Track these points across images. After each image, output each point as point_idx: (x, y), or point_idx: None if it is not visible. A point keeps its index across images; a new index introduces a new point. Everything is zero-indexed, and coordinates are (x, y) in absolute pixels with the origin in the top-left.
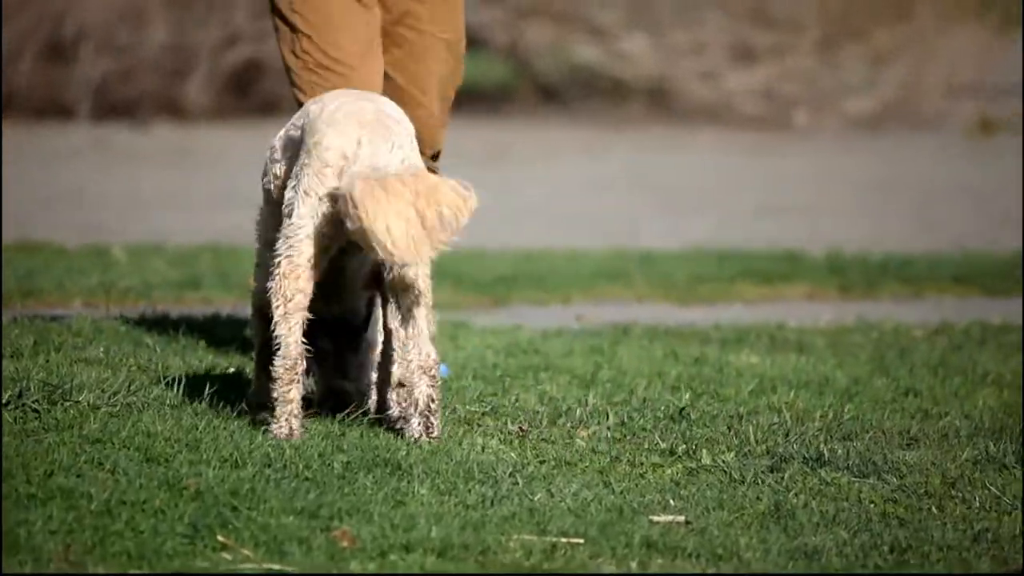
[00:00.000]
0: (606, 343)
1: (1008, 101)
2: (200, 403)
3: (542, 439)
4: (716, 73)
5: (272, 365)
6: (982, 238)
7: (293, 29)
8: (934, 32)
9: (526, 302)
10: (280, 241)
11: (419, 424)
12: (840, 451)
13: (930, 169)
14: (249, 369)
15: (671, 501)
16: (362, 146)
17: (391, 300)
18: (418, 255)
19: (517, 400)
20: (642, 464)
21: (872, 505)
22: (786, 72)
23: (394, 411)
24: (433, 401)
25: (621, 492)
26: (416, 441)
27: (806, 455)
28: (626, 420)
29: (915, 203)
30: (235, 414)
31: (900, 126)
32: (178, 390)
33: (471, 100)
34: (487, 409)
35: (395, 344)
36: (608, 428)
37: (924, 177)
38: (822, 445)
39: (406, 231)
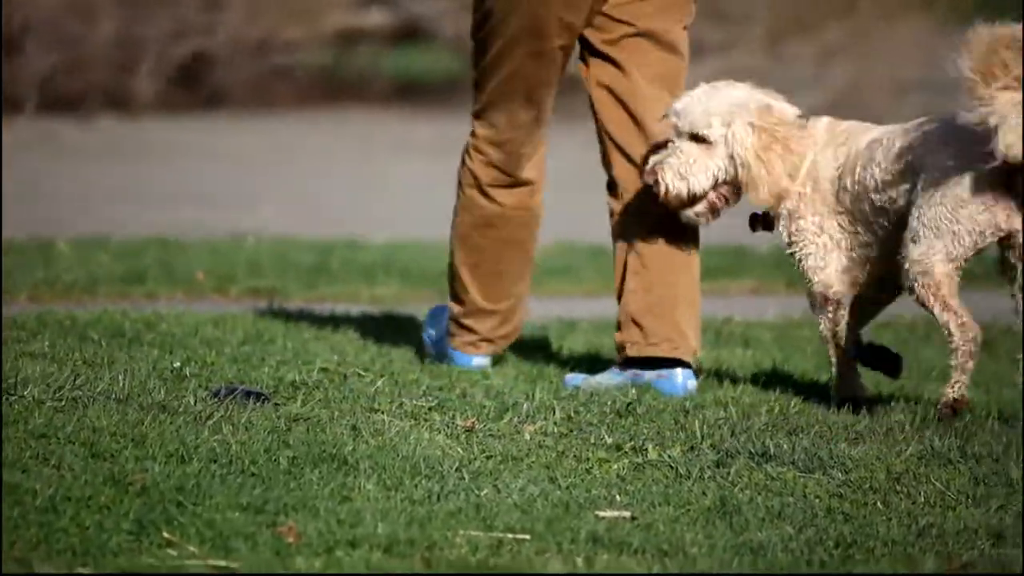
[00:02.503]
0: (553, 337)
1: (954, 95)
2: (146, 398)
3: (489, 434)
4: None
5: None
6: None
7: None
8: (880, 27)
9: None
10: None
11: None
12: (786, 446)
13: None
14: (197, 362)
15: (617, 496)
16: None
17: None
18: None
19: (464, 395)
20: (588, 459)
21: (818, 500)
22: (734, 68)
23: None
24: None
25: (567, 487)
26: None
27: (752, 450)
28: (573, 415)
29: None
30: (181, 409)
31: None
32: (124, 385)
33: (419, 93)
34: (434, 404)
35: None
36: (555, 423)
37: None
38: (768, 440)
39: None
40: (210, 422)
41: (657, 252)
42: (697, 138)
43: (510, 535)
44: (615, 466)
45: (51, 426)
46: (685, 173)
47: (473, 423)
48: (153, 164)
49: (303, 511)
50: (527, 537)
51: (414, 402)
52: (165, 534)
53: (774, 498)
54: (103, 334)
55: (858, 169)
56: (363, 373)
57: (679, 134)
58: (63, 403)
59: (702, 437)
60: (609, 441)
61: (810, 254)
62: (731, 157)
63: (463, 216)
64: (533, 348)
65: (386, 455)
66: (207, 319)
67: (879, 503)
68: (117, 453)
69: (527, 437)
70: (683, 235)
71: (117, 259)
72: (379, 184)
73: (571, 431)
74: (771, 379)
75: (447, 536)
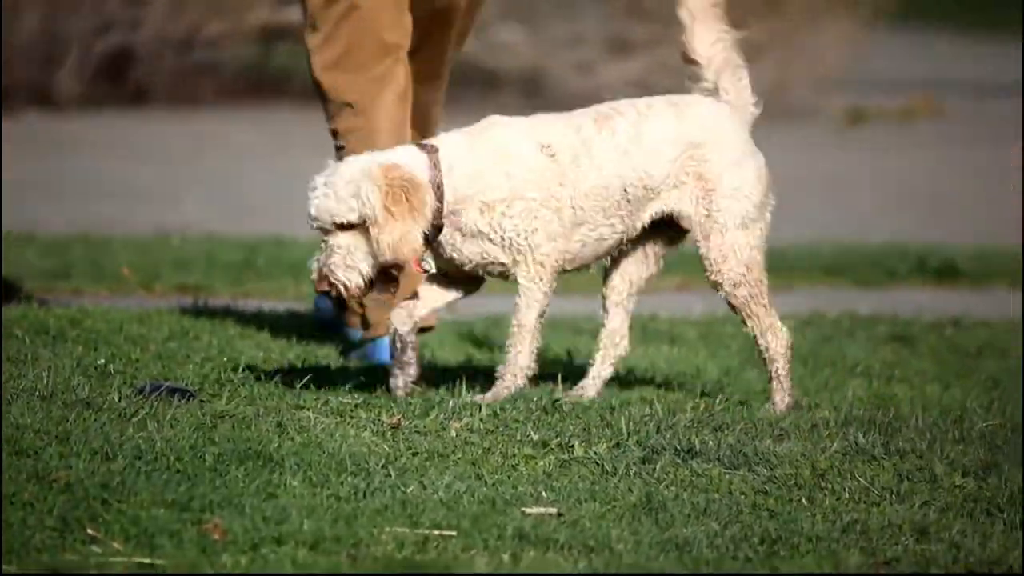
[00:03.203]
0: (479, 334)
1: (877, 94)
2: (70, 395)
3: (415, 431)
4: (591, 65)
5: None
6: (851, 229)
7: None
8: (805, 25)
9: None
10: None
11: None
12: (711, 443)
13: (801, 161)
14: (122, 359)
15: (543, 493)
16: None
17: None
18: None
19: (390, 392)
20: (515, 456)
21: (743, 496)
22: (661, 64)
23: None
24: None
25: (493, 484)
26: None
27: (677, 447)
28: (498, 412)
29: (786, 195)
30: (106, 406)
31: (771, 119)
32: (48, 382)
33: None
34: (360, 401)
35: None
36: (481, 420)
37: (795, 169)
38: (693, 437)
39: None
40: (135, 419)
41: None
42: (343, 226)
43: (436, 532)
44: (541, 463)
45: None
46: (351, 263)
47: (399, 420)
48: (77, 159)
49: (229, 508)
50: (453, 534)
51: (340, 399)
52: (89, 531)
53: (699, 494)
54: (27, 330)
55: None
56: (289, 370)
57: (327, 232)
58: None
59: (628, 434)
60: (535, 438)
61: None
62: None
63: None
64: (459, 344)
65: (312, 452)
66: (132, 316)
67: (804, 499)
68: (41, 450)
69: (453, 434)
70: None
71: (43, 255)
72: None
73: (497, 428)
74: (696, 376)
75: (373, 533)
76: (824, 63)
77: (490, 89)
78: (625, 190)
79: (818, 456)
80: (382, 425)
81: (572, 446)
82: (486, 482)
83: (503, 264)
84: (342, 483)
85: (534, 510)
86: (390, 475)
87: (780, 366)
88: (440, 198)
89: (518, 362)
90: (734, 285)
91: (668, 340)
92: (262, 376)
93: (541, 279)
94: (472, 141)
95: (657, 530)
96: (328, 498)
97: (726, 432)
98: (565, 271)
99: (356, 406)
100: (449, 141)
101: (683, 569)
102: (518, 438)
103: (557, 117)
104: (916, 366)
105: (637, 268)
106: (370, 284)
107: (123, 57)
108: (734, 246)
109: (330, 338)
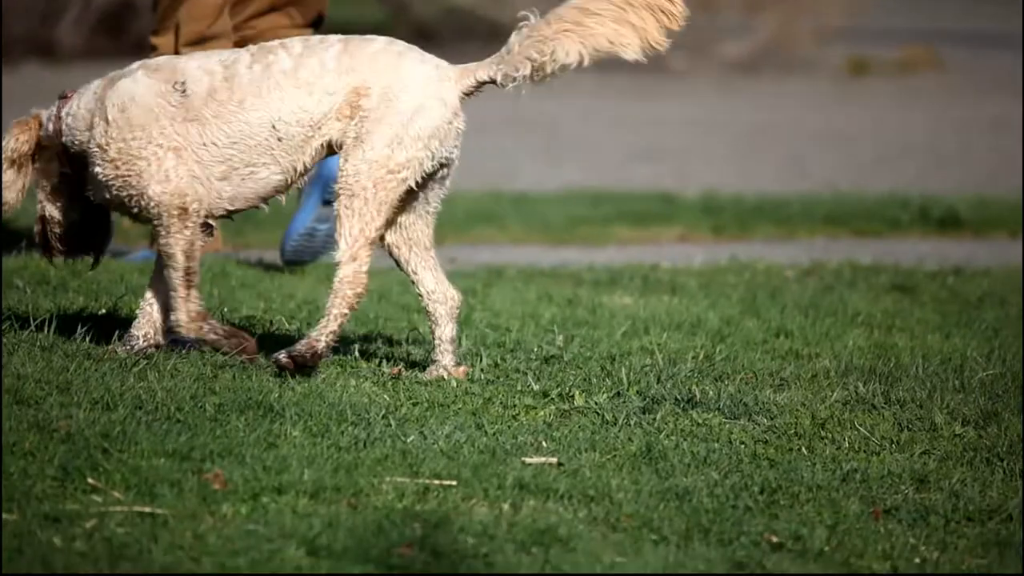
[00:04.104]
0: (480, 285)
1: (878, 45)
2: (71, 345)
3: (415, 381)
4: None
5: None
6: (852, 180)
7: None
8: None
9: None
10: None
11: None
12: (711, 392)
13: (802, 113)
14: (124, 310)
15: (544, 443)
16: None
17: None
18: None
19: (391, 342)
20: (515, 406)
21: (743, 446)
22: None
23: None
24: None
25: (494, 434)
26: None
27: (678, 396)
28: (499, 362)
29: (788, 146)
30: (107, 356)
31: (774, 70)
32: (49, 332)
33: None
34: (360, 351)
35: None
36: (481, 370)
37: (796, 120)
38: (694, 387)
39: None
40: (136, 369)
41: None
42: None
43: (436, 481)
44: (541, 413)
45: None
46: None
47: (400, 370)
48: None
49: (229, 458)
50: (453, 483)
51: (340, 349)
52: (90, 480)
53: (699, 444)
54: (28, 281)
55: None
56: (289, 321)
57: None
58: None
59: (628, 384)
60: (536, 388)
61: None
62: None
63: None
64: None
65: (312, 402)
66: (134, 267)
67: (804, 449)
68: (42, 400)
69: (454, 384)
70: None
71: None
72: None
73: (497, 378)
74: (697, 326)
75: (373, 483)
76: (825, 15)
77: (493, 40)
78: (274, 127)
79: (818, 406)
80: (383, 375)
81: (572, 396)
82: (486, 432)
83: (139, 205)
84: (342, 433)
85: (534, 460)
86: (390, 425)
87: (335, 303)
88: (59, 142)
89: (179, 311)
90: (351, 195)
91: (669, 290)
92: (262, 326)
93: (177, 219)
94: (106, 83)
95: (657, 479)
96: (328, 448)
97: (726, 382)
98: (224, 215)
99: (356, 356)
100: (90, 86)
101: (683, 518)
102: (519, 388)
103: (224, 52)
104: (917, 315)
105: (411, 220)
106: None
107: (124, 9)
108: (372, 162)
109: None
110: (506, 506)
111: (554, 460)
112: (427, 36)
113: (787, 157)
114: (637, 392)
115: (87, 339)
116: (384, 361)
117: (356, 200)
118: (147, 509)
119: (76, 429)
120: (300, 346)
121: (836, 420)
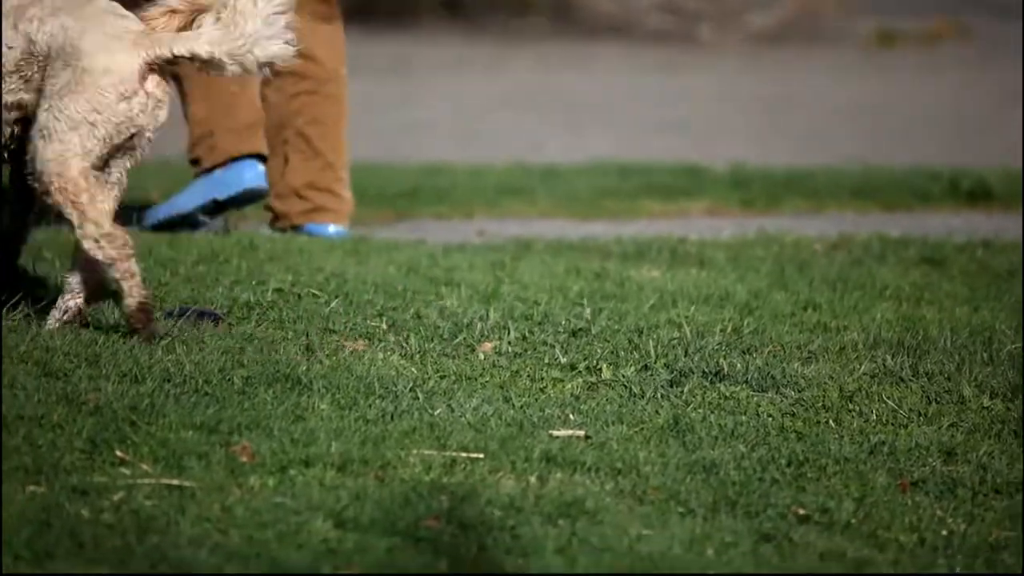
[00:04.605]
0: (508, 258)
1: (906, 16)
2: (99, 317)
3: (443, 354)
4: None
5: None
6: (880, 152)
7: None
8: None
9: (428, 217)
10: None
11: None
12: (739, 365)
13: (829, 84)
14: (151, 282)
15: (571, 416)
16: None
17: None
18: None
19: (418, 315)
20: (542, 379)
21: (770, 419)
22: None
23: None
24: None
25: (521, 407)
26: None
27: (705, 369)
28: (527, 335)
29: (814, 118)
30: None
31: (800, 42)
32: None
33: (373, 11)
34: (388, 324)
35: None
36: (509, 343)
37: (823, 92)
38: (721, 359)
39: None
40: (164, 342)
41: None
42: None
43: (464, 454)
44: (569, 385)
45: (3, 346)
46: None
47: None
48: None
49: (257, 430)
50: (481, 456)
51: (369, 323)
52: (118, 453)
53: (727, 417)
54: (57, 253)
55: None
56: (317, 294)
57: None
58: (16, 323)
59: (656, 356)
60: (563, 360)
61: None
62: None
63: None
64: (488, 269)
65: (340, 375)
66: (162, 239)
67: (831, 422)
68: (70, 372)
69: (481, 357)
70: None
71: None
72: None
73: (525, 351)
74: (725, 299)
75: (401, 455)
76: None
77: (518, 13)
78: None
79: (846, 378)
80: (410, 348)
81: (600, 369)
82: (514, 405)
83: None
84: (370, 406)
85: (561, 432)
86: (418, 398)
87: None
88: None
89: None
90: (46, 193)
91: (697, 263)
92: (291, 299)
93: None
94: None
95: (684, 452)
96: (356, 420)
97: (754, 355)
98: None
99: (384, 329)
100: None
101: (710, 491)
102: (546, 361)
103: None
104: (945, 288)
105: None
106: None
107: None
108: (57, 153)
109: (359, 262)
110: (533, 479)
111: (581, 433)
112: (452, 6)
113: (814, 129)
114: (665, 365)
115: (116, 312)
116: (411, 334)
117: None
118: (175, 482)
119: (104, 402)
120: (133, 322)
121: (864, 393)
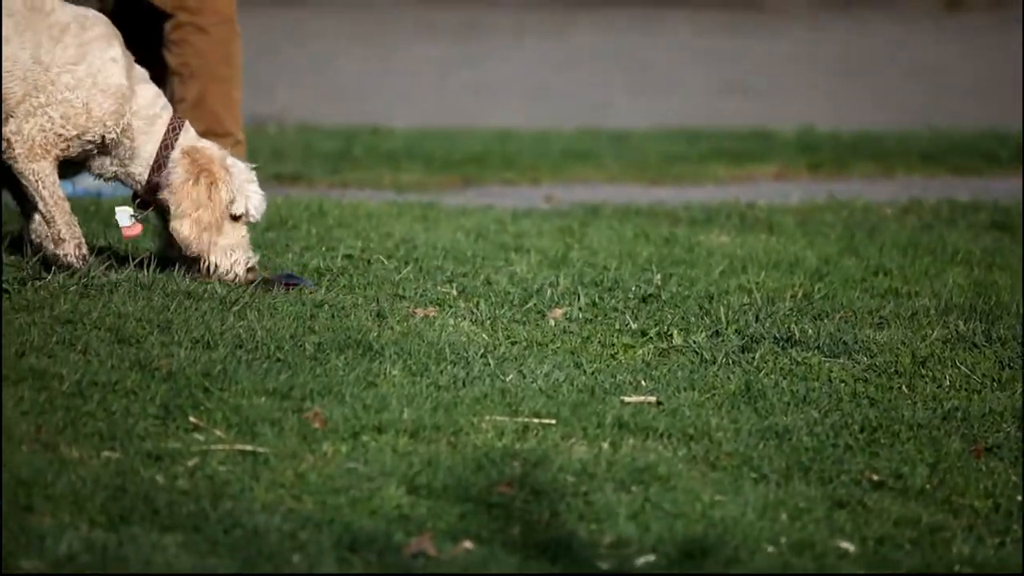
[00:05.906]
0: (576, 224)
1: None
2: (171, 284)
3: (514, 320)
4: None
5: None
6: (948, 115)
7: None
8: None
9: (496, 182)
10: None
11: None
12: (811, 331)
13: (897, 47)
14: None
15: (642, 382)
16: None
17: None
18: None
19: (488, 281)
20: (613, 345)
21: (843, 384)
22: None
23: None
24: None
25: (593, 373)
26: None
27: (777, 335)
28: (597, 301)
29: (883, 81)
30: (206, 295)
31: (868, 4)
32: (149, 271)
33: None
34: (459, 290)
35: None
36: (579, 309)
37: (891, 55)
38: (793, 325)
39: None
40: (235, 308)
41: None
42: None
43: (535, 420)
44: (640, 351)
45: (76, 312)
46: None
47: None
48: None
49: (329, 396)
50: (552, 422)
51: (439, 289)
52: (191, 419)
53: (799, 383)
54: None
55: None
56: (387, 260)
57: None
58: (88, 289)
59: (727, 322)
60: (634, 327)
61: None
62: None
63: None
64: (556, 234)
65: (411, 341)
66: None
67: (904, 387)
68: (143, 338)
69: (552, 323)
70: None
71: None
72: (399, 67)
73: (595, 316)
74: (795, 265)
75: (473, 421)
76: None
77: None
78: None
79: (918, 344)
80: (480, 314)
81: (671, 335)
82: (585, 371)
83: None
84: (441, 372)
85: (633, 398)
86: (489, 364)
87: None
88: None
89: None
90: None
91: (767, 228)
92: (361, 265)
93: None
94: None
95: (756, 418)
96: (428, 387)
97: (825, 320)
98: None
99: (455, 296)
100: None
101: (782, 457)
102: (617, 327)
103: None
104: (1017, 253)
105: None
106: None
107: None
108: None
109: (428, 228)
110: (605, 445)
111: (653, 399)
112: None
113: (881, 92)
114: (736, 331)
115: (187, 278)
116: (482, 300)
117: None
118: (248, 447)
119: (177, 368)
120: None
121: (936, 358)
